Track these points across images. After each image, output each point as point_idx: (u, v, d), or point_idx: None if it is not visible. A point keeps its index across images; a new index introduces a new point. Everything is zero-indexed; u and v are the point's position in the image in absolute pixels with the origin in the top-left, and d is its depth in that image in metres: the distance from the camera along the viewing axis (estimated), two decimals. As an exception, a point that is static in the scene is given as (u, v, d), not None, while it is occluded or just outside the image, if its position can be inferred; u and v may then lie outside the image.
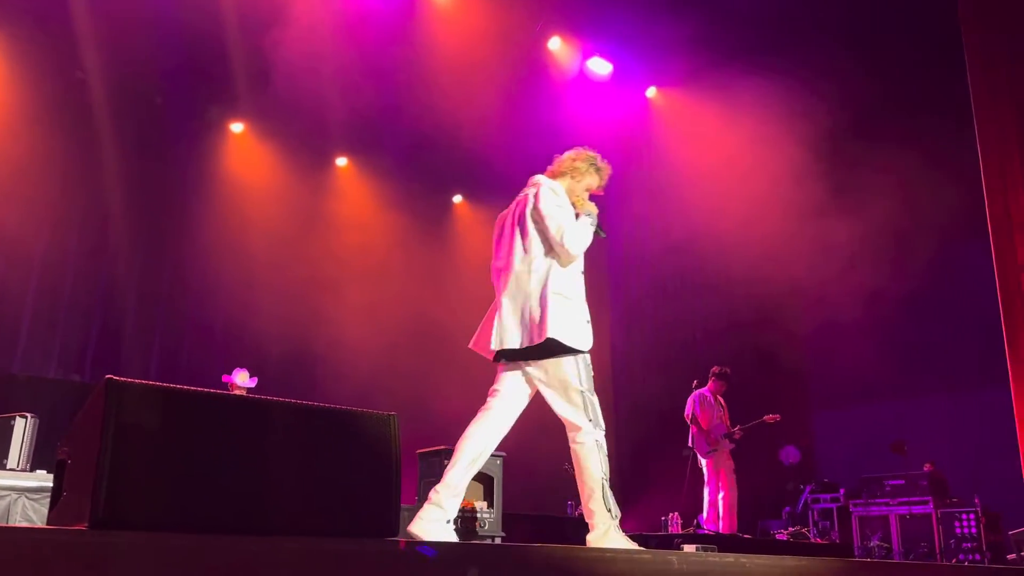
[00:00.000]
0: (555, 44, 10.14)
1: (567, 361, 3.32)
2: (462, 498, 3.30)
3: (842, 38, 8.80)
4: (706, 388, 7.94)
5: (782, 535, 7.93)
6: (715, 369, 7.98)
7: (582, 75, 10.49)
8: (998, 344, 6.96)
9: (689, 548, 3.34)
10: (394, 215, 10.28)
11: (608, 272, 11.94)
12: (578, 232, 3.41)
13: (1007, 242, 6.80)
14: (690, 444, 7.82)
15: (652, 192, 11.17)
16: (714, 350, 9.49)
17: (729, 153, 9.61)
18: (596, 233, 3.59)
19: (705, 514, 7.63)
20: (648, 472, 9.87)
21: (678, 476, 7.95)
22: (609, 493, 3.23)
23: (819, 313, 8.89)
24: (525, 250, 3.46)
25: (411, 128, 9.79)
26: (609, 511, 3.20)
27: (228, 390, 6.78)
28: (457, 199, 11.30)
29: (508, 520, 6.51)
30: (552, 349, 3.30)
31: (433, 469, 5.94)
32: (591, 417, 3.30)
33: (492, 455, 6.21)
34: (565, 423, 3.35)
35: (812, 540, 7.70)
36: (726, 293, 9.78)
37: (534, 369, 3.37)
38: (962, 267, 8.16)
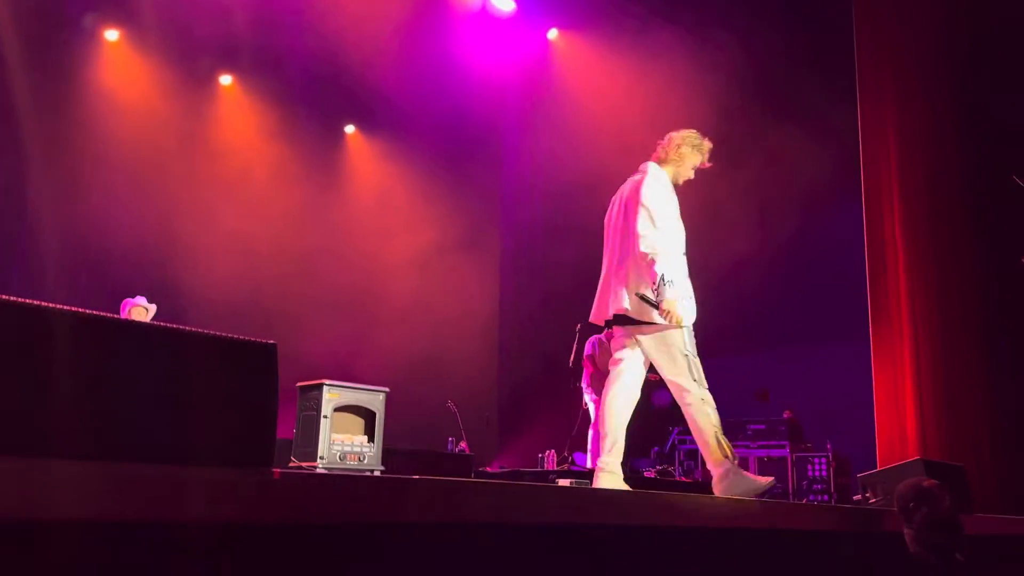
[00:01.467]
0: (458, -25, 9.88)
1: (673, 332, 3.65)
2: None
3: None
4: (604, 334, 8.06)
5: (650, 473, 8.30)
6: None
7: (484, 10, 10.28)
8: (857, 302, 7.44)
9: (564, 483, 3.44)
10: (280, 141, 9.83)
11: (500, 209, 11.95)
12: (658, 239, 3.67)
13: (877, 208, 7.21)
14: (584, 384, 7.96)
15: (548, 132, 11.17)
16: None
17: (626, 101, 9.68)
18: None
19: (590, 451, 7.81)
20: (528, 411, 10.09)
21: (557, 415, 8.14)
22: (723, 439, 3.62)
23: (697, 264, 9.19)
24: (630, 231, 3.75)
25: (303, 51, 9.34)
26: (726, 457, 3.56)
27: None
28: (349, 129, 10.94)
29: (388, 455, 6.51)
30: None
31: (312, 403, 5.84)
32: (695, 378, 3.66)
33: (375, 390, 6.19)
34: (672, 386, 3.74)
35: (677, 478, 8.11)
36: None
37: (644, 337, 3.71)
38: (831, 229, 8.60)
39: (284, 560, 1.61)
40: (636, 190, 3.80)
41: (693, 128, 4.10)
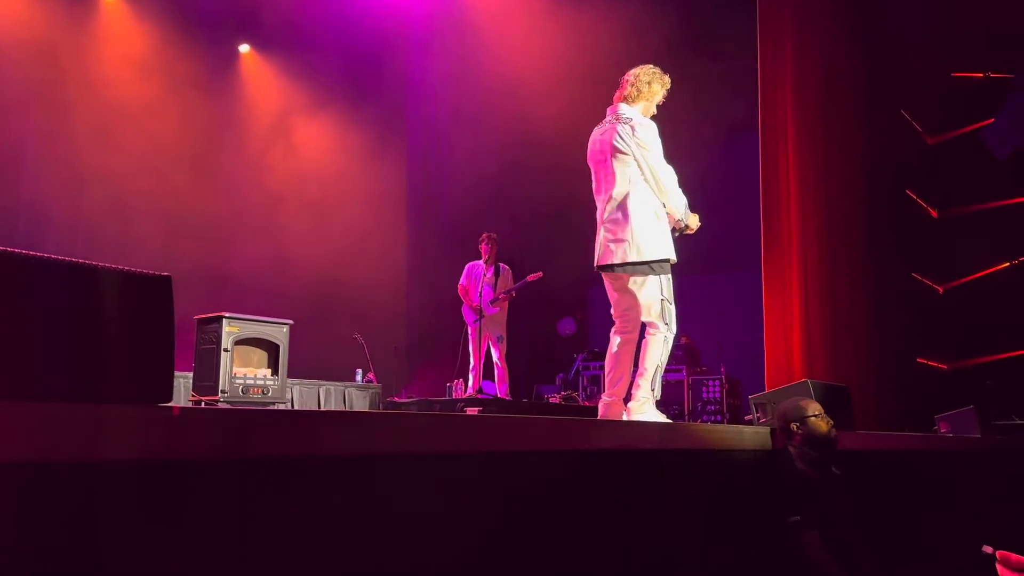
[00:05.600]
0: None
1: (652, 278, 3.90)
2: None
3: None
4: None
5: (555, 399, 8.52)
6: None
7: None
8: (750, 234, 7.71)
9: (472, 411, 3.48)
10: (169, 61, 9.23)
11: (406, 131, 11.69)
12: (673, 180, 4.01)
13: (772, 141, 7.42)
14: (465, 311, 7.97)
15: (454, 48, 10.89)
16: (506, 222, 9.69)
17: (534, 19, 9.54)
18: None
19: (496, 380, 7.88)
20: (436, 340, 10.11)
21: (465, 344, 8.18)
22: (658, 378, 3.88)
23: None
24: (623, 176, 3.94)
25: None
26: (652, 391, 3.88)
27: None
28: (244, 49, 10.39)
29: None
30: (643, 264, 3.89)
31: (211, 336, 5.69)
32: (667, 322, 3.92)
33: (278, 322, 6.08)
34: (648, 324, 3.95)
35: (581, 403, 8.35)
36: (523, 167, 9.94)
37: (632, 282, 3.95)
38: (731, 163, 8.81)
39: (184, 499, 1.58)
40: (635, 139, 3.93)
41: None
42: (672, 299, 3.96)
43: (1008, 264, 8.08)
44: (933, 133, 8.64)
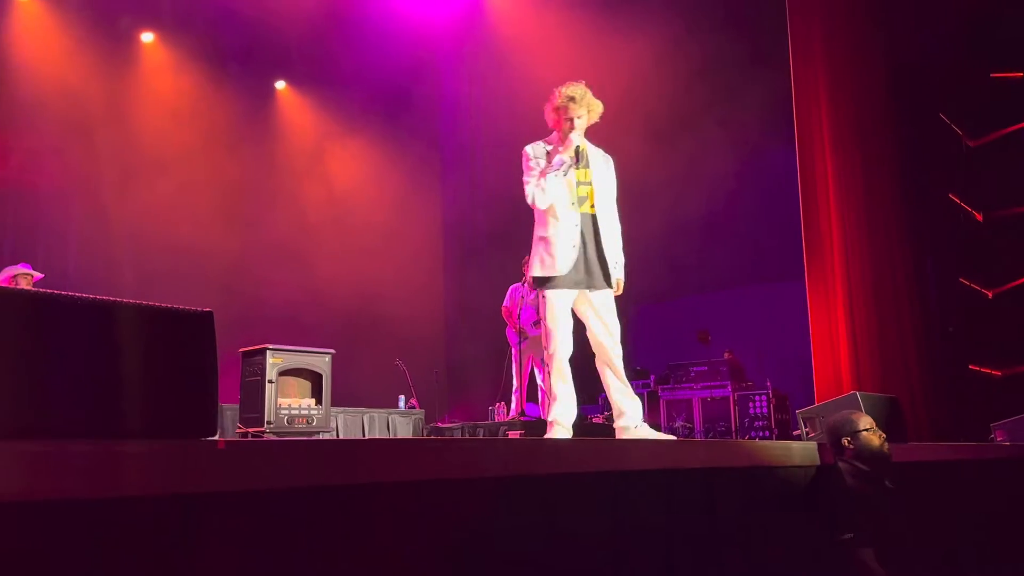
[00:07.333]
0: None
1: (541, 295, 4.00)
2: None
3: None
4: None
5: (598, 419, 8.45)
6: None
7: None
8: (792, 244, 7.61)
9: (514, 434, 3.48)
10: (208, 99, 9.48)
11: (440, 159, 11.81)
12: (537, 190, 4.00)
13: (809, 152, 7.35)
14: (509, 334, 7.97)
15: (487, 77, 11.01)
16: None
17: (566, 42, 9.60)
18: (577, 156, 3.96)
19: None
20: (477, 363, 10.12)
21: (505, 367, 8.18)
22: (551, 402, 4.00)
23: (639, 211, 9.24)
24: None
25: (228, 5, 9.01)
26: (549, 417, 4.00)
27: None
28: (280, 85, 10.62)
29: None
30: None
31: (255, 368, 5.77)
32: (546, 344, 4.00)
33: (320, 352, 6.15)
34: None
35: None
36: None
37: None
38: (768, 176, 8.73)
39: (232, 530, 1.59)
40: None
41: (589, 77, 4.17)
42: (546, 317, 3.90)
43: (1060, 265, 7.85)
44: (974, 136, 8.46)
